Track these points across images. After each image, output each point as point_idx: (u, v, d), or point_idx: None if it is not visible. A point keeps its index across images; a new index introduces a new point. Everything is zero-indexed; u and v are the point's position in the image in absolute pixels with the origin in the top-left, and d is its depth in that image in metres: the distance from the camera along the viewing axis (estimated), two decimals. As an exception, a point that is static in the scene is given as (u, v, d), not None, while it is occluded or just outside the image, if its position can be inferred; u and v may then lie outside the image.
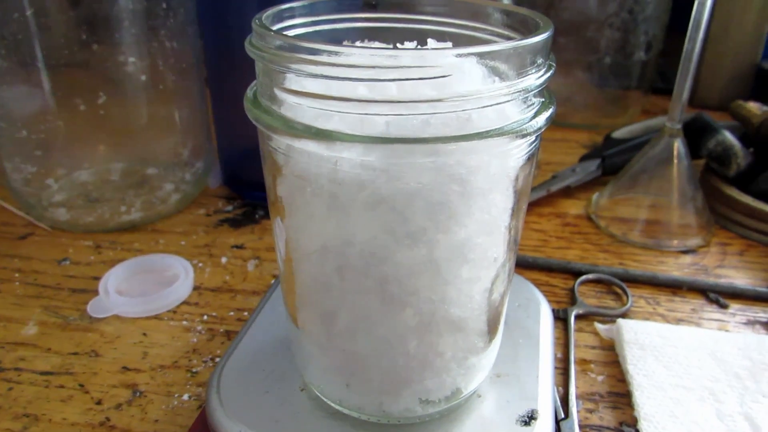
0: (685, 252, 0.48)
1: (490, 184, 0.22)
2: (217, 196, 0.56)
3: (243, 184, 0.56)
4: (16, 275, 0.45)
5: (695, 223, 0.50)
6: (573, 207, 0.55)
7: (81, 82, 0.47)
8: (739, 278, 0.45)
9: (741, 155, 0.52)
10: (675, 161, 0.49)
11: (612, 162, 0.58)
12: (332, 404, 0.28)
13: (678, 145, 0.49)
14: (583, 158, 0.59)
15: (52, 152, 0.49)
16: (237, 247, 0.48)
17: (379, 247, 0.22)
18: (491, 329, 0.26)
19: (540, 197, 0.55)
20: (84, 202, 0.50)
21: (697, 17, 0.44)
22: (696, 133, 0.54)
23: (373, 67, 0.19)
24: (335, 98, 0.20)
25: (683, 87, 0.46)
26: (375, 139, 0.19)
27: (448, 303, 0.23)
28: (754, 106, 0.56)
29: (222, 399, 0.29)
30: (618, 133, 0.63)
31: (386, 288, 0.23)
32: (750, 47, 0.77)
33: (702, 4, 0.44)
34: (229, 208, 0.54)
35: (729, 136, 0.52)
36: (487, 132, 0.20)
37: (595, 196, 0.55)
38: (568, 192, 0.57)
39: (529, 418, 0.27)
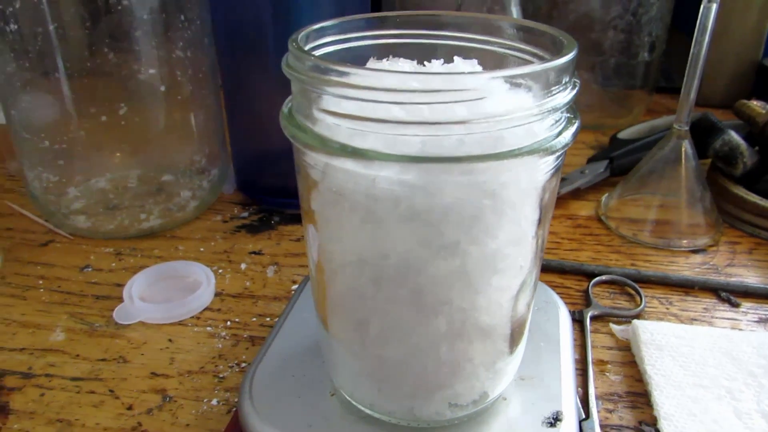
0: (695, 251, 0.49)
1: (520, 198, 0.22)
2: (233, 203, 0.57)
3: (257, 190, 0.57)
4: (40, 282, 0.46)
5: (704, 223, 0.51)
6: (583, 209, 0.56)
7: (101, 93, 0.48)
8: (750, 277, 0.46)
9: (747, 154, 0.53)
10: (683, 162, 0.50)
11: (620, 163, 0.59)
12: (363, 408, 0.29)
13: (686, 147, 0.50)
14: (591, 160, 0.60)
15: (72, 161, 0.50)
16: (255, 253, 0.49)
17: (415, 259, 0.23)
18: (517, 335, 0.27)
19: (550, 199, 0.55)
20: (104, 210, 0.51)
21: (703, 21, 0.45)
22: (702, 133, 0.55)
23: (407, 91, 0.20)
24: (371, 119, 0.20)
25: (690, 89, 0.47)
26: (411, 158, 0.20)
27: (479, 311, 0.24)
28: (758, 105, 0.57)
29: (255, 404, 0.29)
30: (624, 134, 0.64)
31: (420, 298, 0.23)
32: (751, 45, 0.78)
33: (708, 9, 0.45)
34: (245, 214, 0.55)
35: (735, 136, 0.53)
36: (519, 150, 0.21)
37: (604, 197, 0.56)
38: (577, 194, 0.58)
39: (555, 420, 0.28)
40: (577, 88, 0.23)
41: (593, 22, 0.69)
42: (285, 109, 0.25)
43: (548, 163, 0.23)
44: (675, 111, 0.49)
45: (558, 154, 0.22)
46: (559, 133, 0.22)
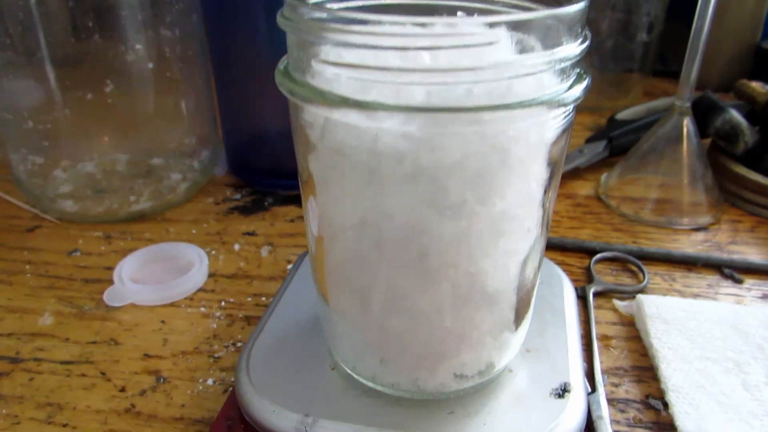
0: (697, 230, 0.49)
1: (529, 155, 0.21)
2: (225, 185, 0.56)
3: (249, 172, 0.56)
4: (27, 267, 0.44)
5: (705, 201, 0.50)
6: (583, 188, 0.55)
7: (86, 72, 0.46)
8: (752, 254, 0.45)
9: (748, 133, 0.52)
10: (684, 139, 0.49)
11: (619, 143, 0.58)
12: (365, 382, 0.28)
13: (687, 124, 0.49)
14: (590, 139, 0.60)
15: (58, 143, 0.48)
16: (249, 234, 0.48)
17: (419, 219, 0.22)
18: (524, 304, 0.26)
19: (549, 179, 0.55)
20: (92, 193, 0.50)
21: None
22: (702, 113, 0.54)
23: (413, 35, 0.19)
24: (375, 68, 0.19)
25: (693, 65, 0.46)
26: (417, 108, 0.19)
27: (485, 276, 0.23)
28: (758, 85, 0.56)
29: (252, 380, 0.28)
30: (622, 115, 0.64)
31: (425, 261, 0.22)
32: (750, 28, 0.78)
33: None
34: (238, 196, 0.54)
35: (736, 115, 0.53)
36: (528, 101, 0.20)
37: (604, 176, 0.55)
38: (576, 173, 0.57)
39: (563, 391, 0.27)
40: (587, 42, 0.22)
41: (591, 1, 0.68)
42: (281, 66, 0.23)
43: (557, 118, 0.22)
44: (672, 94, 0.49)
45: (567, 108, 0.21)
46: (570, 88, 0.21)
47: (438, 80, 0.19)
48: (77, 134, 0.49)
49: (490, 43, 0.19)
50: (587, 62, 0.68)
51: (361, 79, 0.20)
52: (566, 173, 0.55)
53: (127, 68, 0.47)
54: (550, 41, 0.20)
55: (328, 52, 0.21)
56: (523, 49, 0.20)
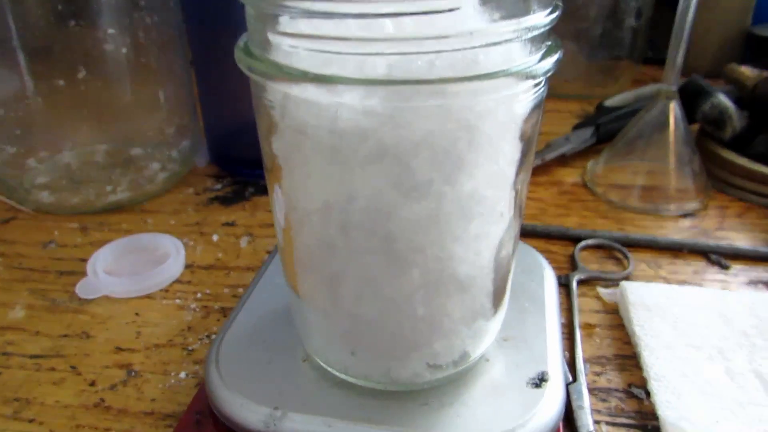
0: (684, 216, 0.48)
1: (497, 132, 0.20)
2: (206, 175, 0.55)
3: (231, 162, 0.55)
4: (0, 260, 0.43)
5: (693, 187, 0.49)
6: (569, 175, 0.54)
7: (59, 58, 0.45)
8: (739, 240, 0.44)
9: (736, 118, 0.51)
10: (671, 125, 0.49)
11: (606, 129, 0.57)
12: (337, 373, 0.27)
13: (674, 108, 0.48)
14: (577, 127, 0.59)
15: (32, 132, 0.47)
16: (228, 224, 0.47)
17: (385, 202, 0.21)
18: (499, 290, 0.26)
19: (535, 166, 0.54)
20: (68, 184, 0.49)
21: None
22: (690, 97, 0.53)
23: (375, 1, 0.18)
24: (333, 38, 0.18)
25: (678, 48, 0.45)
26: (377, 81, 0.18)
27: (456, 261, 0.22)
28: (746, 69, 0.55)
29: (222, 373, 0.27)
30: (610, 102, 0.63)
31: (392, 246, 0.22)
32: (739, 13, 0.77)
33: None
34: (219, 186, 0.53)
35: (724, 99, 0.52)
36: (495, 73, 0.19)
37: (590, 163, 0.55)
38: (563, 160, 0.56)
39: (540, 380, 0.26)
40: (558, 11, 0.21)
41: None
42: (240, 42, 0.22)
43: (527, 92, 0.21)
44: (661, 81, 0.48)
45: (538, 81, 0.20)
46: (540, 60, 0.20)
47: (399, 50, 0.18)
48: (52, 123, 0.48)
49: (453, 9, 0.18)
50: (575, 49, 0.67)
51: (320, 51, 0.19)
52: (552, 161, 0.55)
53: (101, 54, 0.46)
54: (518, 10, 0.19)
55: (286, 23, 0.20)
56: (490, 18, 0.19)
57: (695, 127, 0.55)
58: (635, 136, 0.51)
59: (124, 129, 0.51)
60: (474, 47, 0.18)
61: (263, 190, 0.52)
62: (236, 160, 0.54)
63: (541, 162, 0.54)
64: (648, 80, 0.77)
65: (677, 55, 0.46)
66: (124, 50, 0.46)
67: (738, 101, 0.53)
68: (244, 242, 0.45)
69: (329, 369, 0.27)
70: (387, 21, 0.18)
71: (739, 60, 0.77)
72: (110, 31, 0.44)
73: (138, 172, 0.50)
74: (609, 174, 0.52)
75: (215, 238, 0.45)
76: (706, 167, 0.51)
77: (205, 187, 0.53)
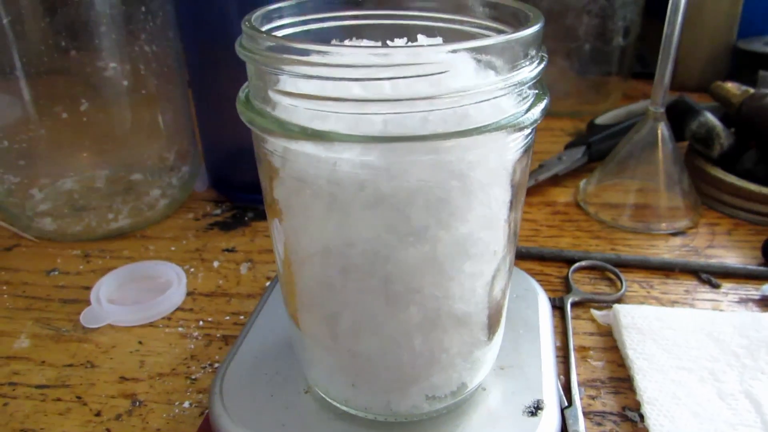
0: (675, 234, 0.49)
1: (489, 179, 0.21)
2: (205, 200, 0.56)
3: (230, 187, 0.56)
4: (4, 288, 0.44)
5: (683, 205, 0.50)
6: (561, 195, 0.55)
7: (62, 89, 0.46)
8: (730, 257, 0.46)
9: (723, 136, 0.52)
10: (660, 145, 0.50)
11: (597, 148, 0.58)
12: (338, 405, 0.27)
13: (662, 129, 0.49)
14: (569, 146, 0.60)
15: (35, 161, 0.48)
16: (228, 250, 0.48)
17: (382, 246, 0.22)
18: (494, 323, 0.26)
19: (528, 187, 0.55)
20: (70, 211, 0.50)
21: (675, 1, 0.44)
22: (679, 116, 0.54)
23: (368, 66, 0.19)
24: (330, 99, 0.19)
25: (665, 71, 0.47)
26: (373, 138, 0.19)
27: (452, 299, 0.23)
28: (733, 87, 0.56)
29: (225, 404, 0.28)
30: (601, 119, 0.64)
31: (390, 287, 0.22)
32: (725, 28, 0.78)
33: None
34: (218, 211, 0.54)
35: (711, 118, 0.53)
36: (486, 127, 0.20)
37: (582, 183, 0.56)
38: (555, 180, 0.57)
39: (536, 409, 0.27)
40: (544, 63, 0.22)
41: (567, 7, 0.68)
42: (242, 94, 0.23)
43: (517, 140, 0.22)
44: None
45: (527, 131, 0.21)
46: (528, 109, 0.21)
47: (395, 110, 0.19)
48: (54, 152, 0.49)
49: (443, 72, 0.19)
50: (565, 67, 0.68)
51: (317, 108, 0.20)
52: (545, 181, 0.56)
53: (103, 85, 0.47)
54: (507, 61, 0.20)
55: (285, 82, 0.21)
56: (480, 68, 0.20)
57: (685, 144, 0.56)
58: (626, 155, 0.52)
59: (124, 156, 0.51)
60: (464, 105, 0.19)
61: (262, 215, 0.53)
62: (235, 185, 0.55)
63: (535, 182, 0.55)
64: (638, 95, 0.79)
65: (664, 77, 0.47)
66: (125, 82, 0.47)
67: (724, 119, 0.54)
68: (244, 269, 0.45)
69: (330, 401, 0.28)
70: (384, 83, 0.19)
71: (725, 74, 0.79)
72: (112, 63, 0.45)
73: (139, 198, 0.51)
74: (601, 193, 0.53)
75: (216, 264, 0.46)
76: (696, 185, 0.52)
77: (205, 213, 0.53)
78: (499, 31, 0.25)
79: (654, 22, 0.77)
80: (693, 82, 0.78)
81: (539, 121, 0.22)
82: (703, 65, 0.79)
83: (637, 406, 0.32)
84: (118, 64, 0.46)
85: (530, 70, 0.21)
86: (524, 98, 0.22)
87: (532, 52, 0.21)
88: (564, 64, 0.72)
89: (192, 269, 0.45)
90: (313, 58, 0.19)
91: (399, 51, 0.19)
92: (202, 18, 0.49)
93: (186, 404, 0.34)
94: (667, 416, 0.31)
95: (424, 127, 0.19)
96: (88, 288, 0.43)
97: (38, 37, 0.44)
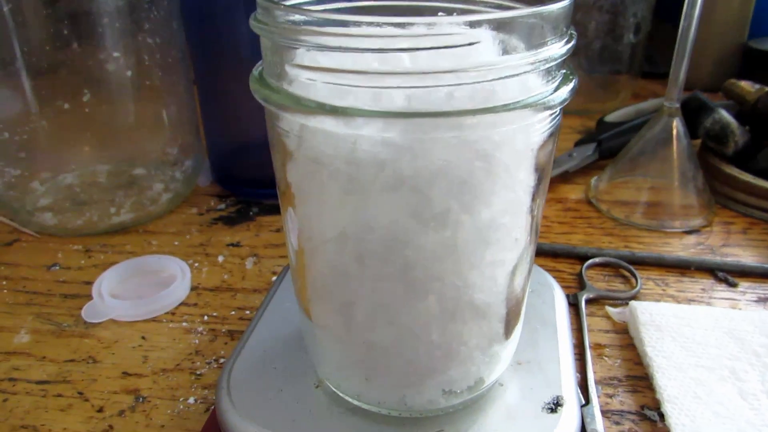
0: (689, 232, 0.48)
1: (514, 161, 0.21)
2: (209, 195, 0.55)
3: (234, 181, 0.55)
4: (4, 283, 0.43)
5: (697, 203, 0.49)
6: (572, 192, 0.54)
7: (64, 81, 0.45)
8: (746, 256, 0.45)
9: (738, 133, 0.51)
10: (674, 141, 0.49)
11: (608, 145, 0.57)
12: (351, 400, 0.26)
13: (677, 124, 0.49)
14: (579, 143, 0.59)
15: (36, 154, 0.47)
16: (233, 245, 0.47)
17: (402, 230, 0.21)
18: (513, 316, 0.25)
19: (539, 183, 0.54)
20: (71, 206, 0.49)
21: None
22: (692, 113, 0.54)
23: (390, 36, 0.18)
24: (352, 71, 0.18)
25: (681, 65, 0.46)
26: (396, 113, 0.18)
27: (472, 288, 0.22)
28: (747, 84, 0.56)
29: (233, 400, 0.27)
30: (611, 117, 0.63)
31: (409, 274, 0.21)
32: (737, 27, 0.77)
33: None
34: (222, 206, 0.53)
35: (726, 114, 0.52)
36: (513, 104, 0.19)
37: (593, 180, 0.55)
38: (566, 177, 0.56)
39: (555, 405, 0.26)
40: (573, 42, 0.21)
41: (577, 3, 0.67)
42: (255, 72, 0.22)
43: (544, 121, 0.21)
44: (661, 95, 0.48)
45: (554, 111, 0.21)
46: (556, 89, 0.20)
47: (418, 83, 0.18)
48: (55, 145, 0.48)
49: (472, 44, 0.18)
50: (575, 64, 0.67)
51: (337, 83, 0.19)
52: (556, 177, 0.55)
53: (105, 77, 0.46)
54: (534, 41, 0.19)
55: (303, 56, 0.20)
56: (506, 50, 0.19)
57: (698, 142, 0.55)
58: (638, 152, 0.51)
59: (127, 149, 0.51)
60: (491, 80, 0.18)
61: (267, 210, 0.52)
62: (239, 179, 0.54)
63: (545, 179, 0.54)
64: (647, 94, 0.78)
65: (679, 72, 0.46)
66: (128, 73, 0.46)
67: (738, 116, 0.53)
68: (249, 263, 0.44)
69: (342, 395, 0.27)
70: (404, 55, 0.18)
71: (736, 74, 0.78)
72: (115, 54, 0.44)
73: (141, 193, 0.50)
74: (613, 190, 0.52)
75: (220, 259, 0.45)
76: (710, 183, 0.52)
77: (209, 207, 0.52)
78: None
79: (662, 23, 0.76)
80: (703, 82, 0.77)
81: (567, 101, 0.21)
82: (713, 65, 0.78)
83: (655, 406, 0.31)
84: (121, 55, 0.45)
85: (558, 47, 0.20)
86: (552, 78, 0.21)
87: (561, 29, 0.20)
88: (573, 61, 0.71)
89: (196, 264, 0.44)
90: (333, 29, 0.18)
91: (422, 23, 0.18)
92: (207, 9, 0.48)
93: (191, 400, 0.32)
94: (689, 415, 0.30)
95: (449, 104, 0.18)
96: (90, 283, 0.42)
97: (40, 28, 0.43)
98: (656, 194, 0.50)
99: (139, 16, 0.46)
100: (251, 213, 0.51)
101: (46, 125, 0.45)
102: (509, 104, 0.19)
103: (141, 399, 0.33)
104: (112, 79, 0.46)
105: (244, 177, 0.54)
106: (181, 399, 0.33)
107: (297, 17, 0.19)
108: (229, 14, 0.47)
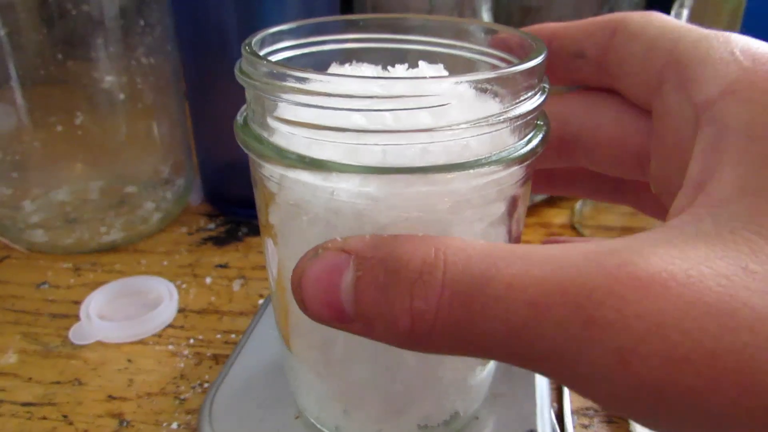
0: (670, 259, 0.49)
1: (488, 211, 0.21)
2: (199, 214, 0.55)
3: (225, 201, 0.55)
4: (-7, 301, 0.43)
5: (678, 230, 0.50)
6: (557, 216, 0.55)
7: (58, 101, 0.46)
8: (724, 285, 0.45)
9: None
10: (657, 169, 0.50)
11: (594, 170, 0.58)
12: (329, 432, 0.27)
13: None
14: (565, 166, 0.60)
15: (28, 173, 0.48)
16: (221, 266, 0.47)
17: (378, 275, 0.21)
18: (489, 351, 0.26)
19: (524, 207, 0.55)
20: (62, 223, 0.49)
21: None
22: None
23: (369, 97, 0.19)
24: (330, 128, 0.19)
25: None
26: (372, 169, 0.19)
27: (447, 328, 0.23)
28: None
29: (214, 428, 0.28)
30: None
31: (385, 316, 0.22)
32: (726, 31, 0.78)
33: (679, 14, 0.44)
34: (212, 225, 0.53)
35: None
36: (486, 159, 0.20)
37: (578, 204, 0.56)
38: (550, 201, 0.57)
39: (529, 439, 0.27)
40: (546, 94, 0.22)
41: (571, 8, 0.68)
42: (239, 118, 0.23)
43: (518, 172, 0.22)
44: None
45: (527, 162, 0.21)
46: (528, 141, 0.21)
47: (394, 141, 0.19)
48: (47, 164, 0.48)
49: (443, 105, 0.18)
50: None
51: (316, 137, 0.20)
52: (540, 201, 0.56)
53: (99, 97, 0.47)
54: (510, 92, 0.20)
55: (284, 108, 0.20)
56: (481, 98, 0.20)
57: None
58: (622, 178, 0.52)
59: (119, 168, 0.51)
60: (465, 138, 0.19)
61: (256, 230, 0.52)
62: (230, 199, 0.54)
63: (530, 203, 0.54)
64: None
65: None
66: (121, 95, 0.46)
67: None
68: (237, 285, 0.45)
69: (321, 427, 0.27)
70: (385, 114, 0.18)
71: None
72: (108, 77, 0.45)
73: (132, 211, 0.50)
74: (597, 215, 0.53)
75: (208, 280, 0.46)
76: (691, 210, 0.52)
77: (198, 227, 0.53)
78: (501, 58, 0.25)
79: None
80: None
81: (539, 153, 0.21)
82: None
83: (630, 436, 0.32)
84: (115, 76, 0.46)
85: (532, 102, 0.21)
86: (525, 131, 0.21)
87: (535, 83, 0.21)
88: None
89: (184, 285, 0.45)
90: (311, 86, 0.19)
91: (400, 82, 0.19)
92: (201, 32, 0.48)
93: (174, 425, 0.33)
94: (661, 448, 0.30)
95: (424, 158, 0.19)
96: (78, 302, 0.42)
97: (35, 49, 0.44)
98: (640, 220, 0.51)
99: (134, 39, 0.46)
100: (240, 234, 0.52)
101: (38, 145, 0.46)
102: (481, 159, 0.19)
103: (125, 423, 0.33)
104: (106, 100, 0.47)
105: (234, 196, 0.54)
106: (164, 424, 0.33)
107: (280, 71, 0.20)
108: (222, 37, 0.48)
